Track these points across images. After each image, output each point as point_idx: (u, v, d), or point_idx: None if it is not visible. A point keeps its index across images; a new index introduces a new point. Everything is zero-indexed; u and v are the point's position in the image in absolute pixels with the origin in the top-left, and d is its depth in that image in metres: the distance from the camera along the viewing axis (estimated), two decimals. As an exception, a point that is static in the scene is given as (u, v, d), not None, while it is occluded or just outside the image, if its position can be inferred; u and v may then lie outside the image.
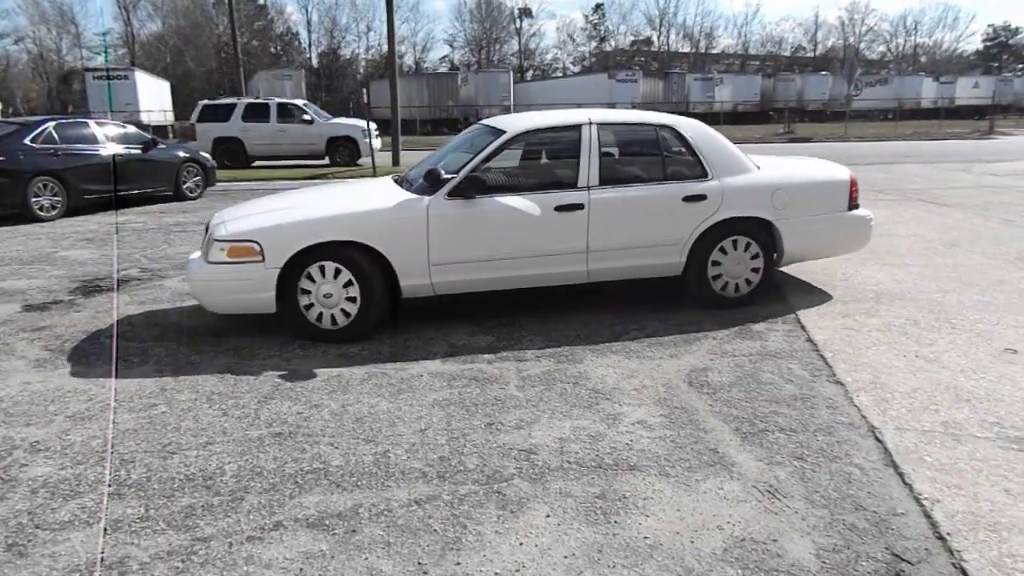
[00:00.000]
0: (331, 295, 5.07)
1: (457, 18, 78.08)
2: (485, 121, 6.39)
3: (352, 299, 5.08)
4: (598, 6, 77.98)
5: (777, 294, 6.12)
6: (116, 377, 4.52)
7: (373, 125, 19.54)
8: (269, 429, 3.78)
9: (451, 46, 77.59)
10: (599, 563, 2.67)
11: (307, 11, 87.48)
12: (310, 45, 67.82)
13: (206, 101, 21.26)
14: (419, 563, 2.68)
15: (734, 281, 5.76)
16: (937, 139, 30.39)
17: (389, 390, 4.26)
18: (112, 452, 3.55)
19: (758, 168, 5.84)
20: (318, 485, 3.22)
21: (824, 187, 5.96)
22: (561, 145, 5.72)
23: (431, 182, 5.19)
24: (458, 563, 2.68)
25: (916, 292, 6.14)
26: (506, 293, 5.79)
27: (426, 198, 5.20)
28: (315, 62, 65.58)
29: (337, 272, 5.03)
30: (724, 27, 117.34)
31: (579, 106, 40.56)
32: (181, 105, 39.16)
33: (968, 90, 51.13)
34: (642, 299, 6.01)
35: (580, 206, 5.34)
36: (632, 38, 77.14)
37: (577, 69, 75.23)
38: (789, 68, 66.88)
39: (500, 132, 5.55)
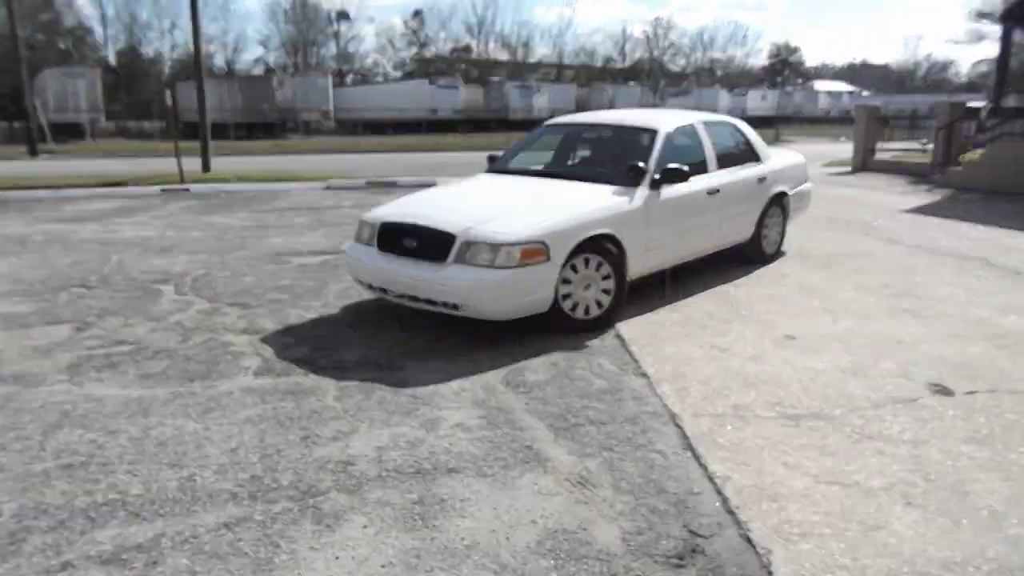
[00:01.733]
0: (590, 285, 5.40)
1: (271, 19, 75.26)
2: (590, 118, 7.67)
3: (606, 290, 5.49)
4: (417, 12, 78.11)
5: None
6: None
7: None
8: (57, 461, 3.45)
9: (265, 47, 74.59)
10: (417, 569, 2.68)
11: (102, 4, 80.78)
12: (106, 42, 62.59)
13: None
14: (227, 589, 2.56)
15: (770, 243, 7.69)
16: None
17: (196, 410, 4.02)
18: None
19: (770, 156, 7.69)
20: (114, 517, 2.99)
21: (800, 167, 8.28)
22: (688, 140, 6.71)
23: (636, 175, 5.87)
24: (270, 585, 2.58)
25: (713, 287, 6.67)
26: (323, 300, 5.66)
27: (638, 189, 5.83)
28: (113, 60, 60.61)
29: (599, 264, 5.41)
30: (540, 37, 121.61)
31: (400, 112, 39.77)
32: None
33: (758, 102, 56.22)
34: (462, 303, 6.09)
35: (718, 190, 6.62)
36: (452, 45, 77.91)
37: (398, 74, 74.90)
38: (601, 78, 70.27)
39: (651, 131, 6.38)
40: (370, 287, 5.64)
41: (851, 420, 3.91)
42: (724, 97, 55.35)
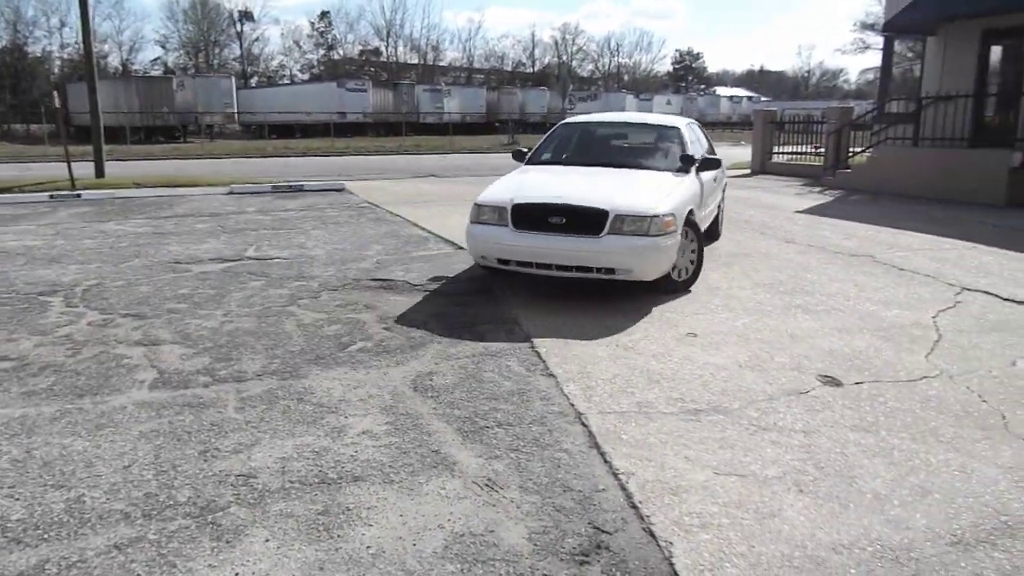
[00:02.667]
0: (684, 252, 6.53)
1: (169, 18, 72.17)
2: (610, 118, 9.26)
3: (691, 260, 6.71)
4: (324, 14, 76.77)
5: (493, 297, 6.45)
6: None
7: None
8: (-73, 488, 3.21)
9: (164, 48, 71.83)
10: (320, 581, 2.62)
11: (-19, 0, 75.88)
12: (-14, 39, 58.86)
13: None
14: (118, 614, 2.44)
15: (719, 226, 9.39)
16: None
17: (86, 427, 3.82)
18: None
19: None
20: (-8, 545, 2.80)
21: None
22: (691, 135, 8.17)
23: (687, 164, 7.30)
24: (164, 606, 2.48)
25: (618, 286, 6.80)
26: (225, 308, 5.48)
27: (690, 175, 7.20)
28: (-6, 59, 57.05)
29: (688, 235, 6.54)
30: (450, 41, 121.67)
31: (308, 114, 39.05)
32: None
33: (662, 106, 57.85)
34: (369, 308, 6.01)
35: (714, 178, 8.14)
36: (361, 48, 76.94)
37: (305, 77, 73.41)
38: (511, 82, 70.94)
39: (673, 125, 8.18)
40: (502, 262, 6.32)
41: (748, 413, 4.06)
42: (631, 102, 56.73)
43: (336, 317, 5.80)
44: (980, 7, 14.15)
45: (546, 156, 8.01)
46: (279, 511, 3.06)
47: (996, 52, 15.05)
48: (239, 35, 72.95)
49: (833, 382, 4.53)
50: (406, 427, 3.85)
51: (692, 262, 6.70)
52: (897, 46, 17.34)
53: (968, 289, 6.84)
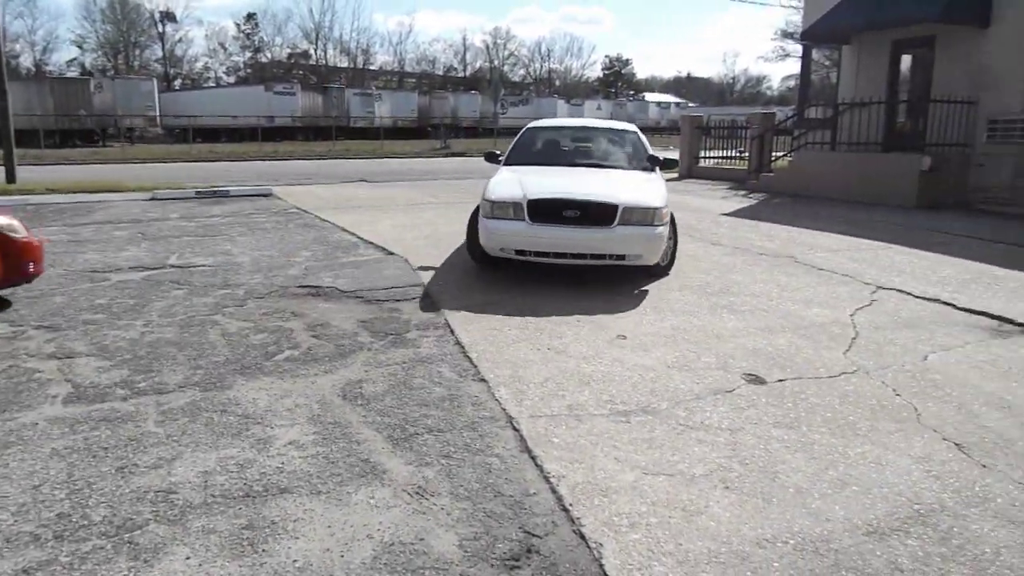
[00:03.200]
0: (666, 241, 7.17)
1: (86, 17, 69.51)
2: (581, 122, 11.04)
3: (668, 247, 7.34)
4: (251, 15, 75.13)
5: (424, 302, 6.41)
6: None
7: None
8: None
9: (81, 48, 69.18)
10: (244, 597, 2.55)
11: None
12: None
13: None
14: (26, 642, 2.32)
15: None
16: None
17: (-8, 446, 3.63)
18: None
19: None
20: None
21: None
22: (640, 138, 9.10)
23: (653, 162, 8.33)
24: (77, 632, 2.37)
25: (550, 292, 6.85)
26: (145, 319, 5.29)
27: (656, 172, 8.23)
28: None
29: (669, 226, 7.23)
30: (381, 44, 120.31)
31: (234, 118, 38.16)
32: None
33: (593, 111, 58.62)
34: (297, 316, 5.90)
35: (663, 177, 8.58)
36: (289, 50, 75.56)
37: (232, 79, 71.68)
38: (443, 87, 70.73)
39: (629, 129, 9.25)
40: (520, 253, 6.91)
41: (676, 412, 4.13)
42: (562, 107, 57.28)
43: (263, 325, 5.67)
44: (888, 19, 14.81)
45: (523, 158, 8.54)
46: (201, 527, 2.96)
47: (906, 61, 15.78)
48: (161, 36, 70.80)
49: (757, 380, 4.65)
50: (334, 436, 3.78)
51: (669, 248, 7.41)
52: (815, 54, 18.02)
53: (883, 287, 7.13)
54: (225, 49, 76.03)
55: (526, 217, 6.84)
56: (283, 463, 3.49)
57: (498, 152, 9.05)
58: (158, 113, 42.57)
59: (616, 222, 6.73)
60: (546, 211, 6.83)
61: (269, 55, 75.39)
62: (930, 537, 2.96)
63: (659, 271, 7.37)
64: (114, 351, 5.06)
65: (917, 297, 6.80)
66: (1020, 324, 5.97)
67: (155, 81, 45.89)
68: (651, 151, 8.65)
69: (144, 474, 3.38)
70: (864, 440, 3.83)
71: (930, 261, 8.48)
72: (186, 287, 6.90)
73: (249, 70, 73.49)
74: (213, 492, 3.22)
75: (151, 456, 3.55)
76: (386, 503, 3.16)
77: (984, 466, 3.58)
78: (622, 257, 6.80)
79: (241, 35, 75.37)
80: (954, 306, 6.49)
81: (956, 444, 3.81)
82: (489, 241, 7.11)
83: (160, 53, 71.25)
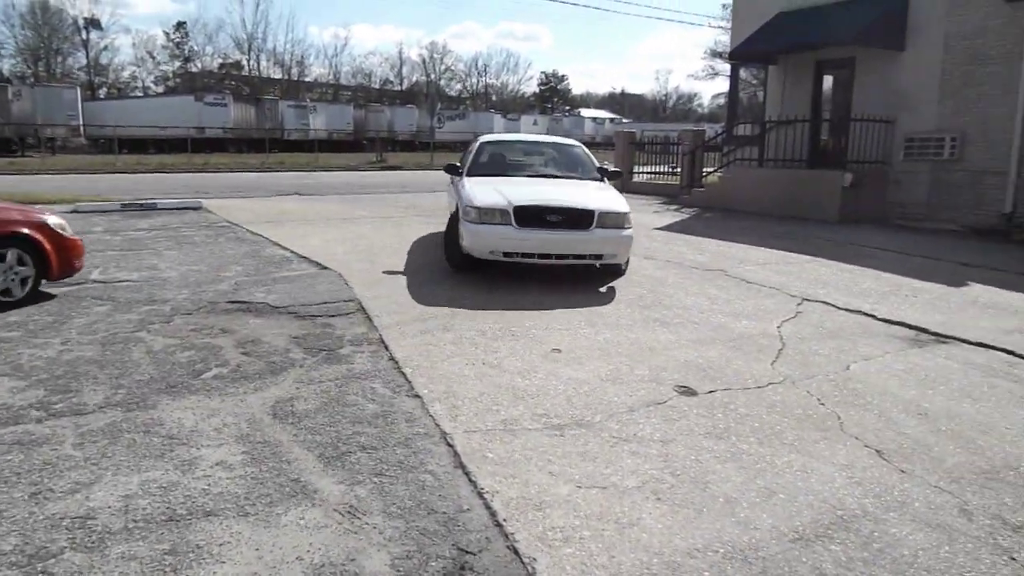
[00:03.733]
0: None
1: (4, 22, 66.86)
2: (528, 138, 12.78)
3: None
4: (180, 24, 73.32)
5: (358, 317, 6.33)
6: None
7: None
8: None
9: (-1, 54, 66.22)
10: (165, 627, 2.45)
11: None
12: None
13: None
14: None
15: None
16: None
17: None
18: None
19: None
20: None
21: None
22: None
23: (603, 173, 9.24)
24: (-18, 670, 2.24)
25: (484, 307, 6.85)
26: (64, 336, 5.07)
27: (606, 182, 9.07)
28: None
29: None
30: (315, 56, 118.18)
31: (163, 129, 37.08)
32: None
33: (529, 126, 59.00)
34: (226, 332, 5.74)
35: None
36: (220, 60, 73.94)
37: (160, 89, 69.75)
38: (379, 100, 70.25)
39: (576, 144, 10.24)
40: (507, 255, 7.48)
41: (609, 425, 4.17)
42: (499, 121, 57.53)
43: (190, 342, 5.50)
44: (810, 41, 15.39)
45: (484, 169, 9.09)
46: (120, 553, 2.84)
47: (829, 81, 16.40)
48: (85, 43, 68.38)
49: (688, 392, 4.74)
50: (264, 456, 3.69)
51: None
52: (743, 73, 18.54)
53: (808, 299, 7.36)
54: (154, 58, 73.99)
55: (512, 222, 7.42)
56: (209, 485, 3.39)
57: (458, 164, 9.54)
58: (81, 122, 41.04)
59: (594, 225, 7.49)
60: (531, 216, 7.46)
61: (200, 65, 73.65)
62: (853, 542, 3.06)
63: (619, 271, 8.15)
64: (29, 371, 4.84)
65: (840, 309, 7.04)
66: (936, 334, 6.24)
67: (78, 89, 44.26)
68: (598, 164, 9.53)
69: (60, 499, 3.23)
70: (791, 449, 3.94)
71: (853, 274, 8.81)
72: (109, 303, 6.65)
73: (179, 80, 71.63)
74: (134, 517, 3.10)
75: (68, 480, 3.40)
76: (316, 524, 3.09)
77: (903, 471, 3.72)
78: (599, 256, 7.61)
79: (171, 44, 73.43)
80: (875, 317, 6.75)
81: (876, 451, 3.94)
82: (476, 244, 7.59)
83: (84, 61, 68.85)
